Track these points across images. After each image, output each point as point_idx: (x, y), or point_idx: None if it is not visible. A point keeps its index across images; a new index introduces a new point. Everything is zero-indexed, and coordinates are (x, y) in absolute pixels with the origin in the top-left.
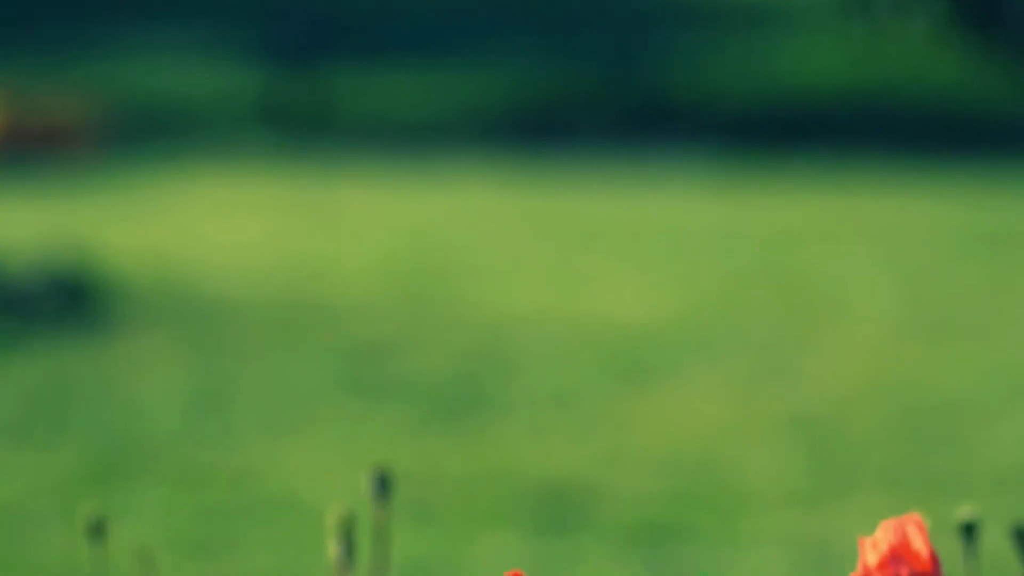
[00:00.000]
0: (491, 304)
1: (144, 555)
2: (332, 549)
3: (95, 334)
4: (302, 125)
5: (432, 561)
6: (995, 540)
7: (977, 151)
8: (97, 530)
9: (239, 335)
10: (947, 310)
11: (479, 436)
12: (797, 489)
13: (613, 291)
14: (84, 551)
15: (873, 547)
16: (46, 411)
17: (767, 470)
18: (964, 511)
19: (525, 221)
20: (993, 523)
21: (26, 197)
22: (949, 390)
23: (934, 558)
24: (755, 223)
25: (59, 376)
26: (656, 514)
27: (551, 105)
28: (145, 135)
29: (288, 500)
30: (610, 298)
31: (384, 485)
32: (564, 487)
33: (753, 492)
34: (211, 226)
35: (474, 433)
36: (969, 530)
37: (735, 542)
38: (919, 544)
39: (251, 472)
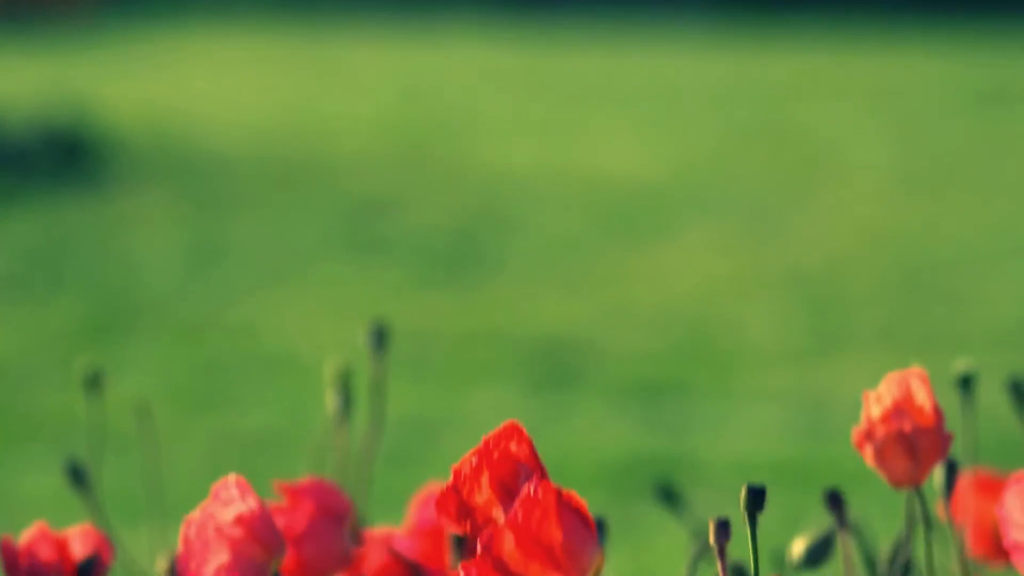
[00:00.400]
0: (488, 160)
1: (142, 408)
2: (330, 402)
3: (92, 190)
4: None
5: (428, 417)
6: (992, 395)
7: (972, 9)
8: (94, 383)
9: (236, 190)
10: (943, 166)
11: (475, 292)
12: (793, 345)
13: (609, 147)
14: (81, 405)
15: (876, 400)
16: (43, 266)
17: (763, 326)
18: (961, 364)
19: (522, 78)
20: (990, 378)
21: (24, 54)
22: (946, 246)
23: (938, 411)
24: (751, 79)
25: (56, 231)
26: (652, 370)
27: None
28: None
29: (285, 355)
30: (606, 154)
31: (381, 338)
32: (560, 343)
33: (749, 348)
34: (208, 82)
35: (470, 289)
36: (966, 383)
37: (730, 398)
38: (923, 398)
39: (248, 327)
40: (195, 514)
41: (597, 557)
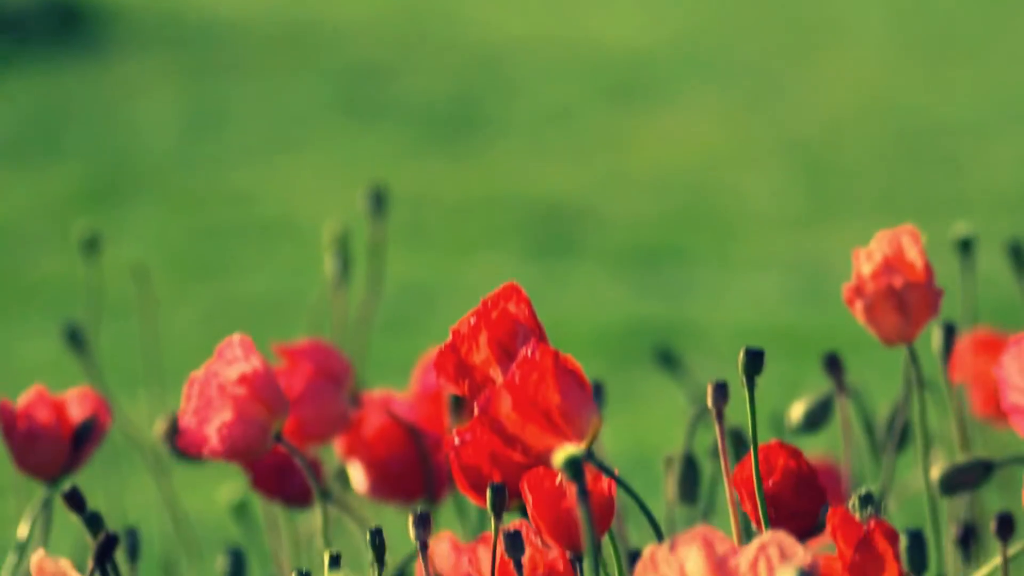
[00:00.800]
0: (488, 27)
1: (140, 274)
2: (328, 265)
3: (91, 55)
4: None
5: (427, 283)
6: (992, 261)
7: None
8: (92, 246)
9: (235, 56)
10: (943, 31)
11: (474, 158)
12: (792, 212)
13: (609, 14)
14: (80, 270)
15: (867, 258)
16: (42, 132)
17: (762, 193)
18: (960, 227)
19: None
20: (990, 244)
21: None
22: (946, 111)
23: (928, 268)
24: None
25: (54, 97)
26: (650, 237)
27: None
28: None
29: (283, 221)
30: (606, 21)
31: (380, 202)
32: (558, 209)
33: (747, 215)
34: None
35: (469, 155)
36: (966, 246)
37: (729, 265)
38: (913, 255)
39: (247, 193)
40: (198, 373)
41: (594, 421)
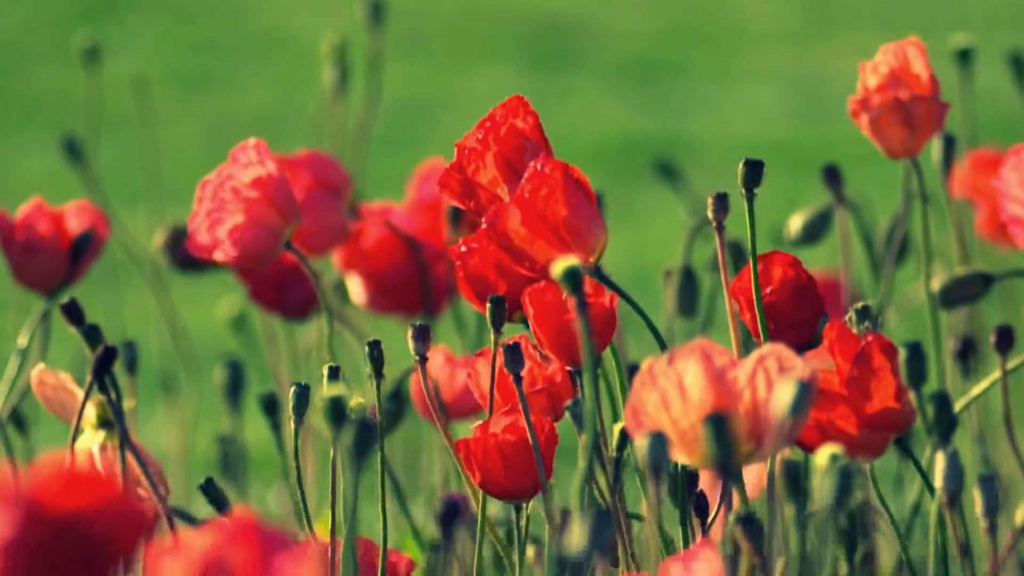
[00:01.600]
0: None
1: (139, 86)
2: (327, 75)
3: None
4: None
5: (425, 97)
6: (992, 75)
7: None
8: (92, 56)
9: None
10: None
11: None
12: (790, 26)
13: None
14: (79, 84)
15: (873, 70)
16: None
17: (761, 7)
18: (960, 38)
19: None
20: (988, 59)
21: None
22: None
23: (934, 80)
24: None
25: None
26: (649, 50)
27: None
28: None
29: (283, 35)
30: None
31: (378, 13)
32: (557, 23)
33: (747, 29)
34: None
35: None
36: (965, 57)
37: (727, 78)
38: (919, 67)
39: (245, 6)
40: (211, 175)
41: (602, 236)
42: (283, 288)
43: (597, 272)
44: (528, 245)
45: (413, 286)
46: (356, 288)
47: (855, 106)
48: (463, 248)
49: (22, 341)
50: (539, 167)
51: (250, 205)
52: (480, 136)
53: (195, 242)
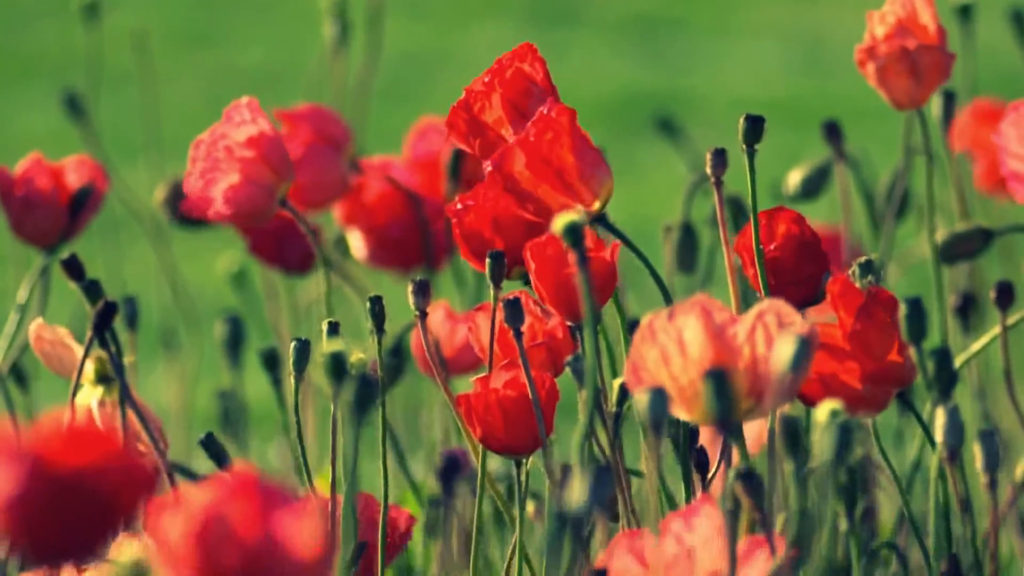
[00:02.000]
0: None
1: (139, 42)
2: (327, 31)
3: None
4: None
5: (425, 53)
6: (993, 31)
7: None
8: (91, 12)
9: None
10: None
11: None
12: None
13: None
14: (79, 40)
15: (880, 20)
16: None
17: None
18: None
19: None
20: (988, 14)
21: None
22: None
23: (940, 31)
24: None
25: None
26: (649, 5)
27: None
28: None
29: None
30: None
31: None
32: None
33: None
34: None
35: None
36: (966, 11)
37: (727, 34)
38: (926, 18)
39: None
40: (204, 135)
41: (608, 182)
42: (283, 242)
43: (602, 220)
44: (533, 188)
45: (414, 241)
46: (357, 242)
47: (861, 55)
48: (459, 206)
49: (22, 296)
50: (546, 111)
51: (244, 164)
52: (487, 79)
53: (189, 202)
